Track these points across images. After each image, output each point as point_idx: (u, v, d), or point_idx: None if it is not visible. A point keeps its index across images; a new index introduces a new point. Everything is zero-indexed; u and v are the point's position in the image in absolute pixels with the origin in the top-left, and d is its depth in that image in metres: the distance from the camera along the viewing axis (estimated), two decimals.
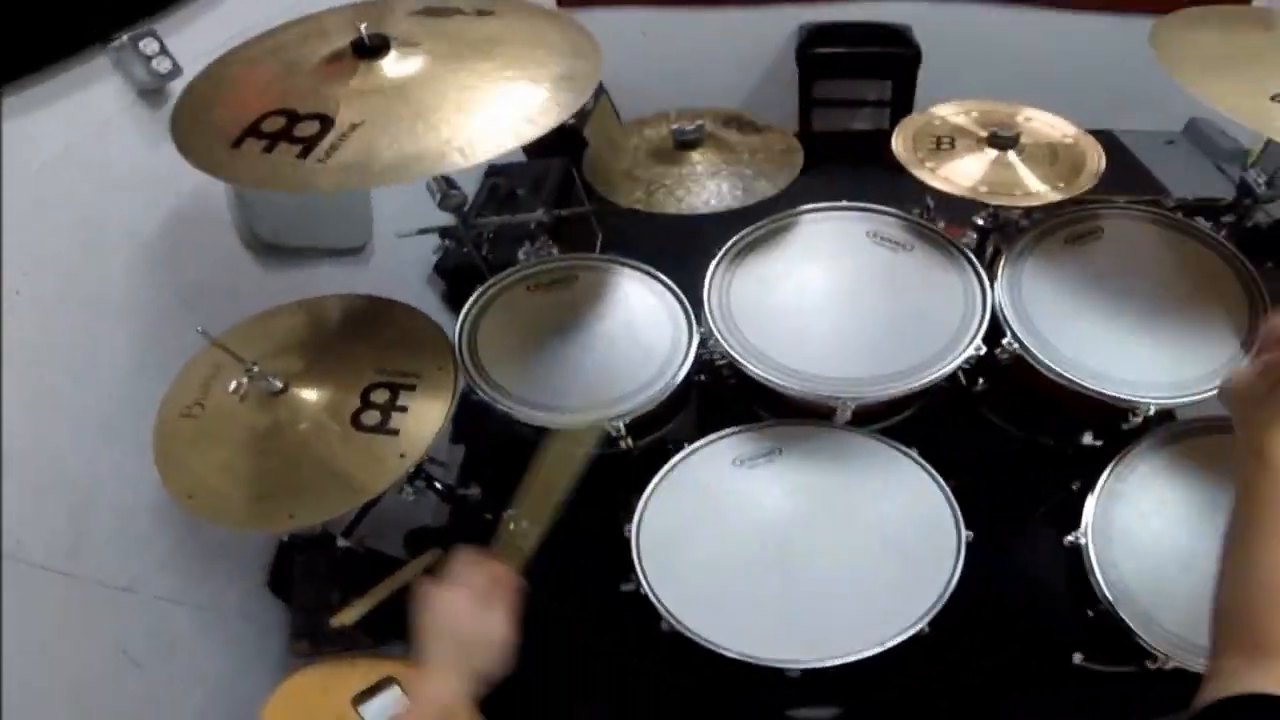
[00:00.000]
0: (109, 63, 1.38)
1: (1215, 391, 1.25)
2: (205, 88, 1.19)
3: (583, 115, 2.84)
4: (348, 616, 1.41)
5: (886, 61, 2.98)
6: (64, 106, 1.31)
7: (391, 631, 1.54)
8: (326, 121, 1.05)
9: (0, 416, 1.19)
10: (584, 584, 1.48)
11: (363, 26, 1.11)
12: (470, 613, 0.93)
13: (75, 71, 1.32)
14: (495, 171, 2.62)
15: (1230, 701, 0.66)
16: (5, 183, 1.21)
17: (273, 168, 1.02)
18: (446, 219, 1.62)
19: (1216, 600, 0.80)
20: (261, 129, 1.06)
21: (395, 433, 1.24)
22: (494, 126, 1.07)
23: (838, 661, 1.16)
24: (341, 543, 1.50)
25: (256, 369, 1.21)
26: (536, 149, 2.82)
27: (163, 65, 1.43)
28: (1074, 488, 1.43)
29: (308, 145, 1.03)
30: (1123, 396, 1.28)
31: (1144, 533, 1.29)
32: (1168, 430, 1.38)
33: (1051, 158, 1.49)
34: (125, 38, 1.37)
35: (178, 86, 1.47)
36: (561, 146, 2.68)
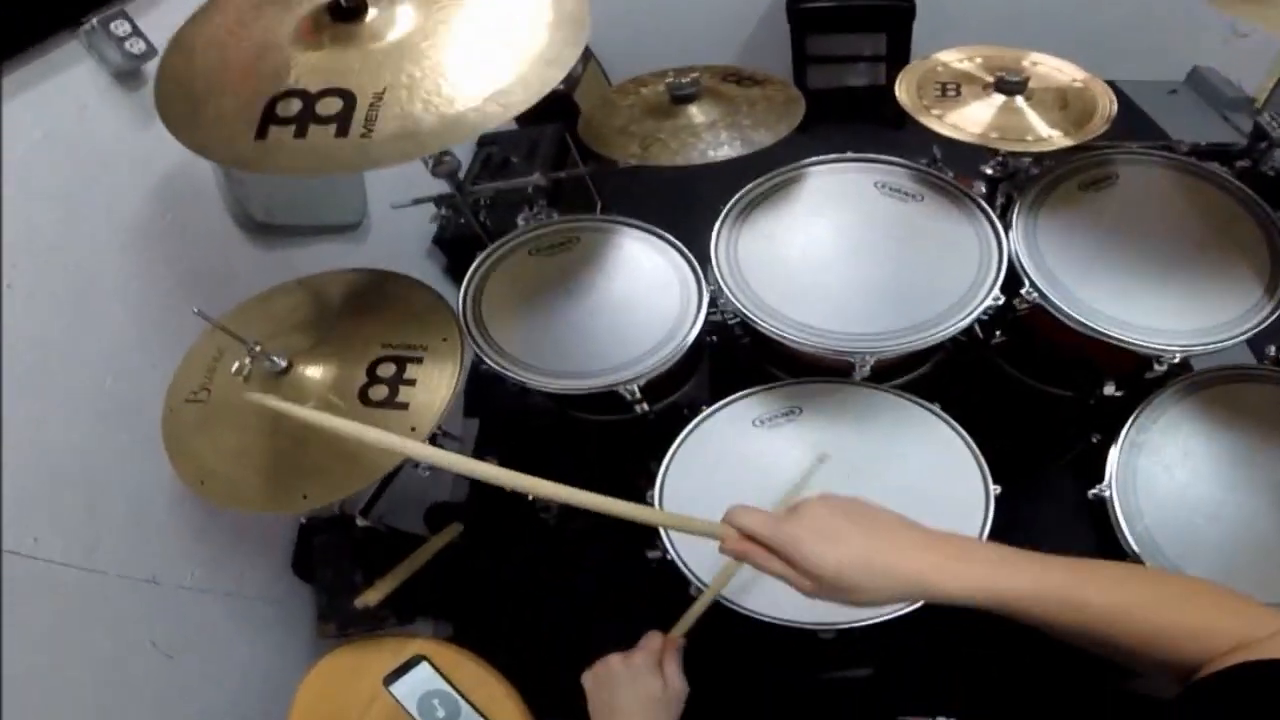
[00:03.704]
0: (81, 47, 1.34)
1: (1239, 339, 1.26)
2: (182, 78, 1.13)
3: (572, 81, 2.81)
4: (372, 596, 1.40)
5: (879, 14, 2.94)
6: (39, 93, 1.27)
7: (417, 609, 1.53)
8: (347, 96, 1.01)
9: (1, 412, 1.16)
10: (610, 553, 1.47)
11: None
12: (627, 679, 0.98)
13: (47, 58, 1.28)
14: (487, 141, 2.58)
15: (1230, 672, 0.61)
16: None
17: (316, 152, 0.98)
18: (441, 188, 1.59)
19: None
20: (279, 114, 1.01)
21: (404, 406, 1.22)
22: (520, 73, 1.03)
23: (870, 621, 1.15)
24: (361, 522, 1.49)
25: (259, 349, 1.19)
26: (528, 116, 2.78)
27: (136, 46, 1.39)
28: (1094, 440, 1.42)
29: (340, 123, 0.99)
30: (1145, 344, 1.26)
31: (1169, 483, 1.27)
32: (1189, 379, 1.36)
33: (1061, 102, 1.46)
34: (95, 20, 1.33)
35: (154, 68, 1.44)
36: (553, 112, 2.65)
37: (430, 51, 1.04)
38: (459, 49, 1.05)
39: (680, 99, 1.49)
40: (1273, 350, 1.44)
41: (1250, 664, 0.60)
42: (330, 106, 1.00)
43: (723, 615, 1.18)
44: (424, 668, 1.22)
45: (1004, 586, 0.72)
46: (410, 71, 1.02)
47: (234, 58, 1.11)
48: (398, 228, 2.24)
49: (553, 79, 1.04)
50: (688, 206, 1.50)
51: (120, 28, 1.36)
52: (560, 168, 2.49)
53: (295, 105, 1.01)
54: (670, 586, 1.25)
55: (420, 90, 1.01)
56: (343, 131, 0.99)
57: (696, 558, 1.24)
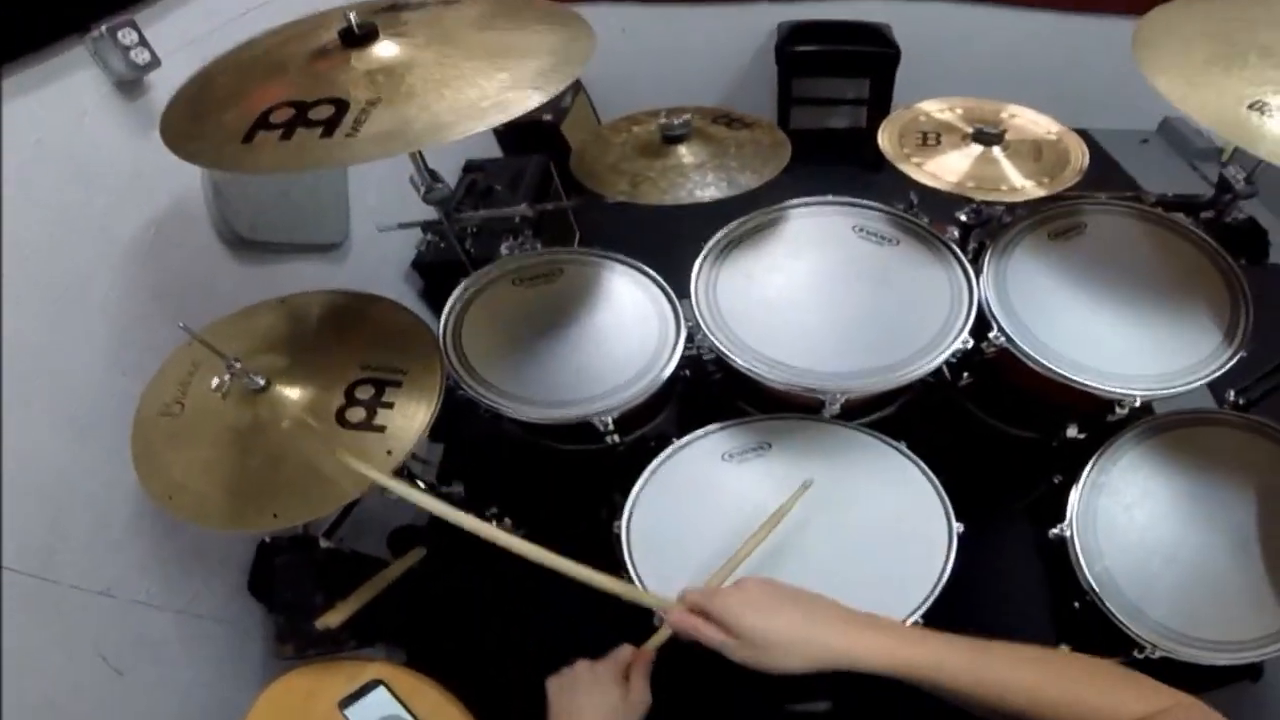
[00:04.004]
0: (86, 53, 1.35)
1: (1198, 383, 1.29)
2: (192, 99, 1.15)
3: (560, 112, 2.85)
4: (334, 618, 1.37)
5: (865, 60, 3.01)
6: (40, 97, 1.28)
7: (378, 632, 1.51)
8: (340, 104, 1.02)
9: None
10: (576, 582, 1.47)
11: (351, 15, 1.08)
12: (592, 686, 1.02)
13: (52, 61, 1.29)
14: (473, 168, 2.61)
15: None
16: None
17: (297, 150, 0.99)
18: (427, 214, 1.61)
19: None
20: (271, 121, 1.02)
21: (381, 429, 1.21)
22: (518, 82, 1.06)
23: None
24: (324, 543, 1.47)
25: (238, 365, 1.17)
26: (514, 145, 2.82)
27: (141, 56, 1.40)
28: (1055, 481, 1.44)
29: (329, 125, 1.00)
30: (1109, 389, 1.29)
31: (1128, 524, 1.31)
32: (1150, 422, 1.40)
33: (1036, 154, 1.50)
34: (104, 28, 1.35)
35: (156, 78, 1.46)
36: (539, 143, 2.68)
37: (433, 70, 1.06)
38: (462, 66, 1.07)
39: (671, 139, 1.52)
40: (1232, 394, 1.47)
41: None
42: (322, 113, 1.02)
43: (688, 645, 1.18)
44: (380, 692, 1.21)
45: (912, 656, 0.85)
46: (411, 84, 1.04)
47: (246, 82, 1.13)
48: (377, 250, 2.25)
49: (551, 89, 1.06)
50: (669, 241, 1.51)
51: (127, 37, 1.38)
52: (543, 198, 2.52)
53: (288, 113, 1.03)
54: (636, 615, 1.24)
55: (417, 97, 1.03)
56: (328, 133, 1.00)
57: (662, 590, 1.22)
